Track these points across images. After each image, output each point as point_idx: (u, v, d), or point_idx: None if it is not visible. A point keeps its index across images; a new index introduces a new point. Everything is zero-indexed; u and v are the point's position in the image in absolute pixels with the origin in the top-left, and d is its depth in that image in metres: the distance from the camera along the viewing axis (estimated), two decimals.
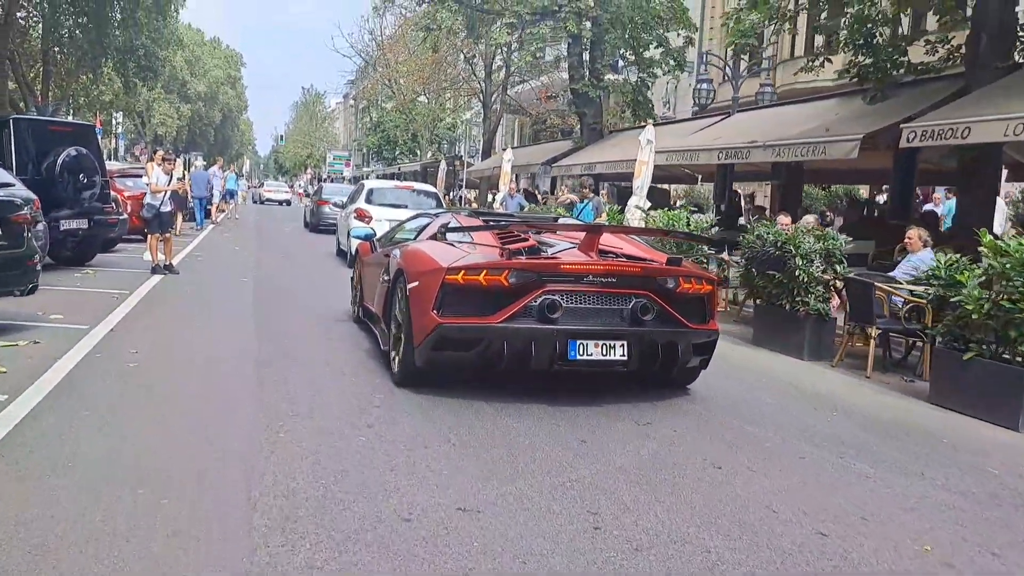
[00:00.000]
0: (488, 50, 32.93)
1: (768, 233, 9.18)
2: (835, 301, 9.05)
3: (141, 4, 37.97)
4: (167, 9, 41.76)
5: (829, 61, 14.05)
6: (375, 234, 9.90)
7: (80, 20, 38.79)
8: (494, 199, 33.00)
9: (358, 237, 9.94)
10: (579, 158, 22.47)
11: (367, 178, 68.07)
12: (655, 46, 23.01)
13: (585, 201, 14.12)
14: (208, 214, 26.09)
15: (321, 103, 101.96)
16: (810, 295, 8.77)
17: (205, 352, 7.53)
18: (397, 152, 53.45)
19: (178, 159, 27.32)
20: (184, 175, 23.60)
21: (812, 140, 12.85)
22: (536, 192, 29.58)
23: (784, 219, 11.10)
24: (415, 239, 7.74)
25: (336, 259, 17.75)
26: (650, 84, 24.47)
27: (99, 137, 19.97)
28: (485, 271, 5.97)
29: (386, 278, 7.33)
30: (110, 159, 54.64)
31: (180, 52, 64.85)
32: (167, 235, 12.99)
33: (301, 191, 55.74)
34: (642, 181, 14.96)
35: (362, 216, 16.03)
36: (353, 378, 6.91)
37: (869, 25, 13.38)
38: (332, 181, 63.46)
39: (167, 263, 12.78)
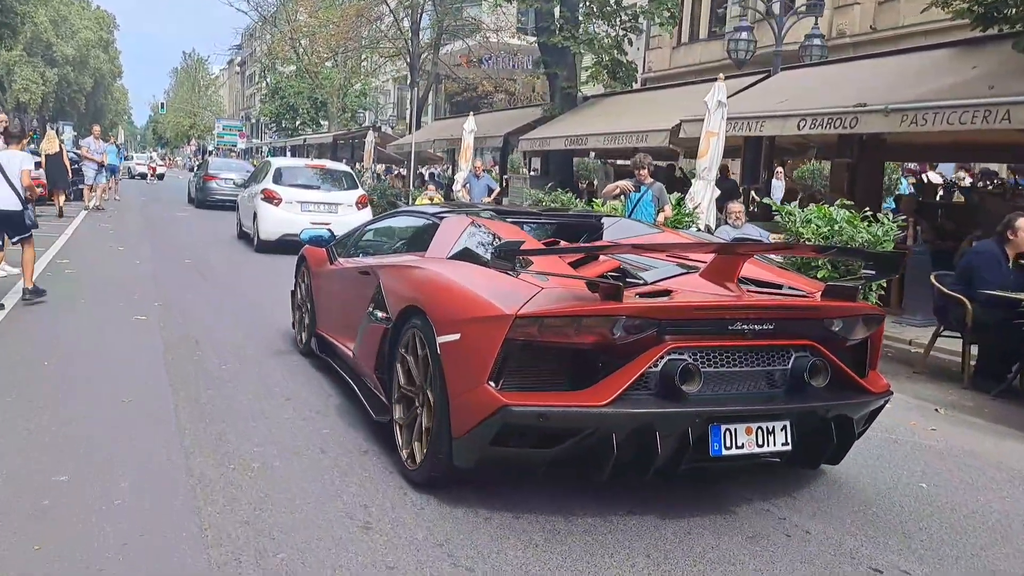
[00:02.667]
0: (416, 1, 28.16)
1: None
2: None
3: None
4: None
5: None
6: (333, 237, 7.01)
7: None
8: (430, 180, 28.54)
9: (308, 240, 7.01)
10: (557, 129, 18.16)
11: (260, 151, 62.70)
12: None
13: (643, 189, 9.82)
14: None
15: (204, 69, 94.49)
16: None
17: None
18: (298, 122, 47.94)
19: (50, 130, 21.84)
20: (61, 149, 18.49)
21: (983, 102, 8.95)
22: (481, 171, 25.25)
23: None
24: (421, 253, 5.16)
25: (241, 244, 16.02)
26: (632, 40, 20.33)
27: None
28: (579, 320, 3.70)
29: (380, 315, 4.89)
30: None
31: (43, 9, 57.71)
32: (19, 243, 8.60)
33: (153, 164, 49.75)
34: (710, 160, 10.82)
35: (271, 197, 14.75)
36: (345, 480, 4.24)
37: None
38: (220, 154, 57.68)
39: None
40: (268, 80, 51.26)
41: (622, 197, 10.24)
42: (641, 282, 4.25)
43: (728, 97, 14.05)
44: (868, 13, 23.87)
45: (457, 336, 3.92)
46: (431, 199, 17.30)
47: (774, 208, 8.02)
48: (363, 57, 38.34)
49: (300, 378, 6.20)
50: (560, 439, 3.74)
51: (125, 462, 4.28)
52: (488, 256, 4.37)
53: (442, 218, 5.45)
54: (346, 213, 14.79)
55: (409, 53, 29.36)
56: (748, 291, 4.33)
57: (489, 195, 17.08)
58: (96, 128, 23.99)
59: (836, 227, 7.33)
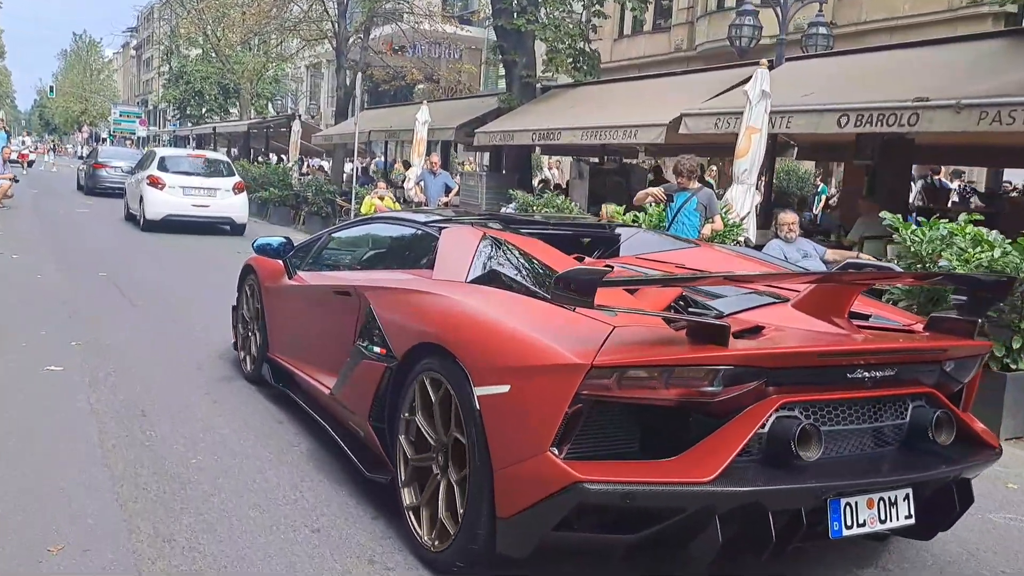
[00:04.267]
0: None
1: None
2: None
3: None
4: None
5: None
6: (290, 246, 5.90)
7: None
8: (364, 175, 26.31)
9: (257, 249, 5.89)
10: (522, 122, 16.25)
11: (159, 139, 58.69)
12: None
13: (685, 194, 8.08)
14: None
15: (97, 52, 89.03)
16: None
17: None
18: (205, 109, 44.75)
19: None
20: None
21: None
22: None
23: None
24: (422, 271, 4.28)
25: (128, 225, 17.45)
26: (596, 27, 18.67)
27: None
28: (672, 371, 2.93)
29: (377, 351, 4.00)
30: None
31: None
32: None
33: (27, 152, 45.80)
34: (751, 161, 9.16)
35: (156, 183, 16.37)
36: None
37: None
38: (117, 142, 53.89)
39: None
40: (171, 64, 47.71)
41: (653, 204, 8.53)
42: (714, 313, 3.43)
43: (729, 90, 12.58)
44: (828, 8, 22.85)
45: (505, 389, 3.15)
46: (381, 198, 15.27)
47: (894, 225, 6.34)
48: (279, 41, 35.64)
49: (313, 475, 4.22)
50: (647, 523, 2.99)
51: None
52: (525, 281, 3.66)
53: (439, 228, 4.59)
54: (224, 197, 16.84)
55: (336, 36, 27.07)
56: (860, 327, 3.67)
57: (447, 194, 15.24)
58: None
59: (999, 253, 5.66)
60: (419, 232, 4.85)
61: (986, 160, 15.36)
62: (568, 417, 2.93)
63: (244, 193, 17.39)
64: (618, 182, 15.72)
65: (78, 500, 3.73)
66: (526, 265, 3.89)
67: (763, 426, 3.05)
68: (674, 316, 3.27)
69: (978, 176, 19.98)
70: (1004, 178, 18.23)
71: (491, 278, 3.83)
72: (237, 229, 17.09)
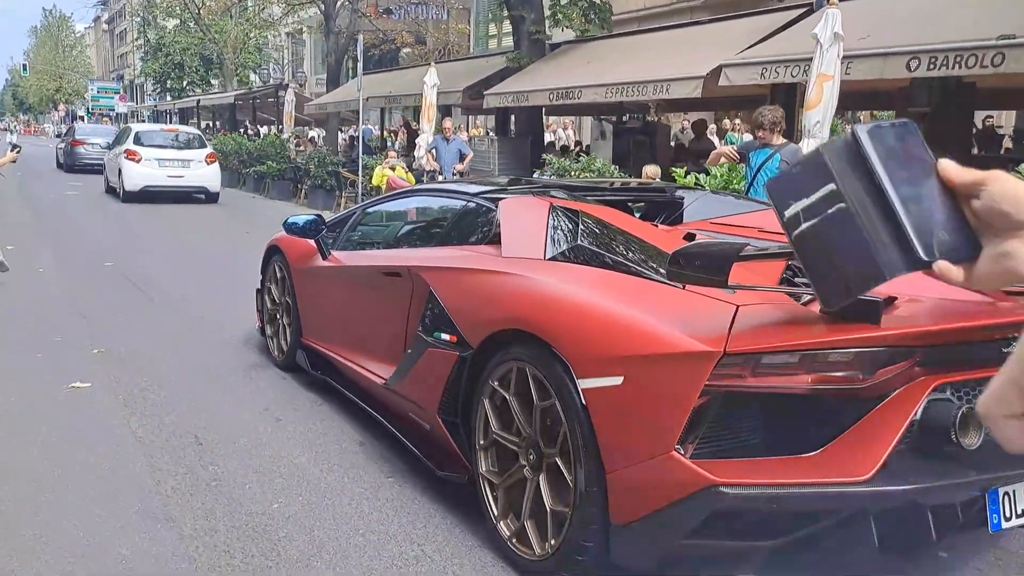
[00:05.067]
0: None
1: None
2: None
3: None
4: None
5: None
6: (322, 224, 5.34)
7: None
8: (374, 144, 25.39)
9: (292, 228, 5.30)
10: (535, 81, 15.34)
11: (137, 115, 57.20)
12: None
13: (766, 151, 7.25)
14: None
15: (68, 27, 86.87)
16: None
17: None
18: (186, 82, 43.37)
19: None
20: None
21: None
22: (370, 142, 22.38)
23: None
24: (486, 248, 3.89)
25: (119, 205, 17.18)
26: None
27: None
28: (816, 357, 2.61)
29: (445, 338, 3.61)
30: None
31: None
32: None
33: None
34: (823, 112, 8.34)
35: (132, 156, 17.23)
36: None
37: None
38: (96, 119, 52.50)
39: None
40: (148, 36, 46.16)
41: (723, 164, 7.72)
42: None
43: (769, 36, 11.71)
44: None
45: (617, 381, 2.81)
46: (393, 168, 14.40)
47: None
48: (261, 8, 34.39)
49: (425, 518, 3.45)
50: (789, 527, 2.64)
51: None
52: (616, 256, 3.35)
53: (493, 200, 4.19)
54: (197, 168, 17.82)
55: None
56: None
57: (461, 161, 14.34)
58: None
59: None
60: (471, 205, 4.47)
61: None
62: (695, 411, 2.62)
63: (216, 164, 18.46)
64: (642, 141, 14.89)
65: None
66: (610, 238, 3.55)
67: (916, 413, 2.70)
68: (803, 291, 2.89)
69: (1006, 120, 19.29)
70: None
71: (574, 254, 3.44)
72: (211, 197, 18.09)
